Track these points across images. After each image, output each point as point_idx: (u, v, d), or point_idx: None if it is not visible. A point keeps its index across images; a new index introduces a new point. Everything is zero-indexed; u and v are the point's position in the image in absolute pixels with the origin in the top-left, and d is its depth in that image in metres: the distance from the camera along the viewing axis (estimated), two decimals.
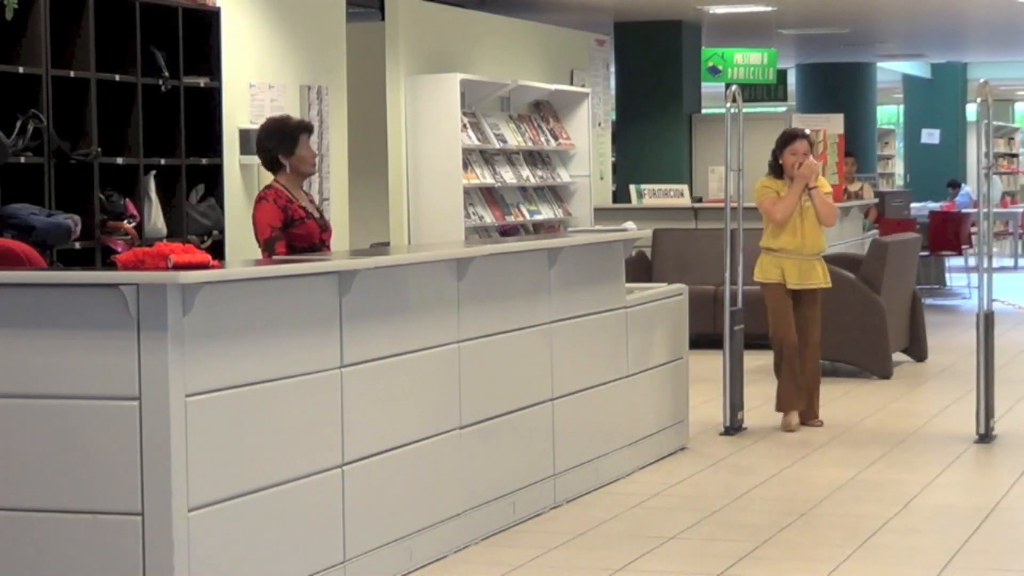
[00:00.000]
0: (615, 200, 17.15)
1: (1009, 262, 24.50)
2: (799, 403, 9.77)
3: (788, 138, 9.80)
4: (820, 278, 9.78)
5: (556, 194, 14.51)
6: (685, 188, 16.05)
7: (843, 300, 11.45)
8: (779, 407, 9.81)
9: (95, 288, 5.29)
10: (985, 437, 9.28)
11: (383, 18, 12.90)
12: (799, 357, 9.77)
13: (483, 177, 13.17)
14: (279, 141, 7.60)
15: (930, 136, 27.79)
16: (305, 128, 7.70)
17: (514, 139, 13.70)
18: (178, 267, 5.25)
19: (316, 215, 7.68)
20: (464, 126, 12.86)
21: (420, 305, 6.62)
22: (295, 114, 10.78)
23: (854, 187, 17.28)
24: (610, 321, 8.29)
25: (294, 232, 7.50)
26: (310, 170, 7.73)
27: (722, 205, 10.43)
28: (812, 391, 9.87)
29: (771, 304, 9.75)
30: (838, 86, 24.94)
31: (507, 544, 6.92)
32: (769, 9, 17.12)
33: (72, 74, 8.37)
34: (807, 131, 10.04)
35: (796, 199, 9.66)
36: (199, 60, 9.34)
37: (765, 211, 9.75)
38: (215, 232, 9.43)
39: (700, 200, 16.11)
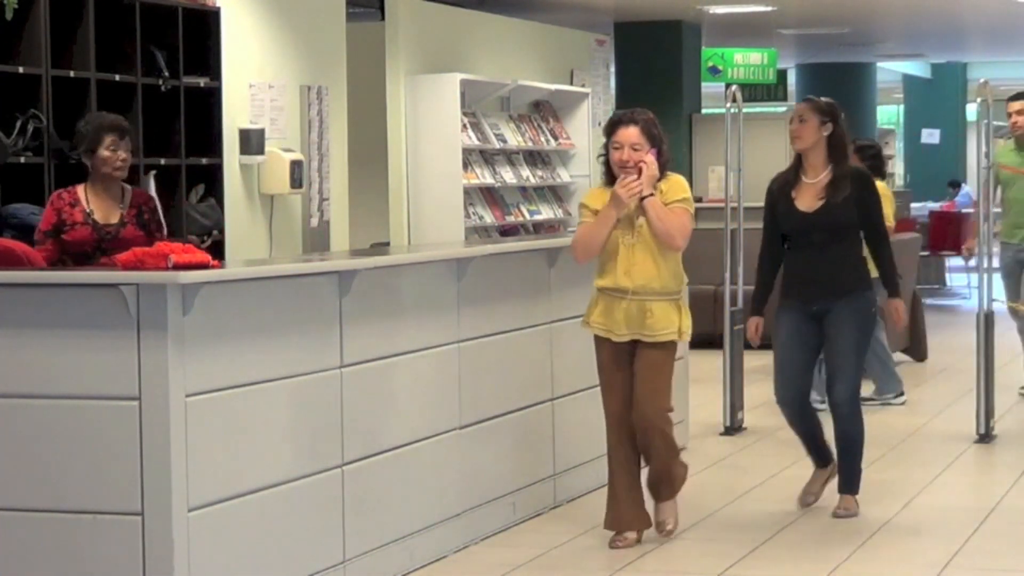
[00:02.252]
0: None
1: None
2: (629, 516, 6.78)
3: (609, 127, 6.73)
4: (657, 326, 6.72)
5: (556, 194, 14.50)
6: None
7: None
8: (606, 522, 6.84)
9: (95, 288, 5.30)
10: (985, 437, 9.27)
11: (383, 18, 12.89)
12: (638, 443, 6.77)
13: (483, 177, 13.16)
14: (81, 139, 7.16)
15: (930, 136, 27.78)
16: (111, 128, 7.12)
17: (514, 139, 13.70)
18: (178, 267, 5.26)
19: (112, 223, 7.14)
20: (464, 126, 12.85)
21: (420, 305, 6.61)
22: (295, 114, 10.81)
23: None
24: None
25: (64, 238, 7.08)
26: (111, 172, 7.12)
27: (722, 205, 10.43)
28: (654, 483, 6.88)
29: (597, 367, 6.89)
30: (838, 86, 24.85)
31: (507, 544, 6.92)
32: (769, 9, 17.11)
33: (72, 74, 8.37)
34: (643, 113, 6.70)
35: (607, 224, 6.62)
36: (199, 60, 9.33)
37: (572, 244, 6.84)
38: (215, 232, 9.42)
39: (700, 200, 16.10)
